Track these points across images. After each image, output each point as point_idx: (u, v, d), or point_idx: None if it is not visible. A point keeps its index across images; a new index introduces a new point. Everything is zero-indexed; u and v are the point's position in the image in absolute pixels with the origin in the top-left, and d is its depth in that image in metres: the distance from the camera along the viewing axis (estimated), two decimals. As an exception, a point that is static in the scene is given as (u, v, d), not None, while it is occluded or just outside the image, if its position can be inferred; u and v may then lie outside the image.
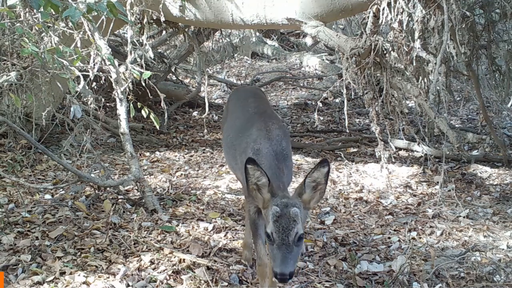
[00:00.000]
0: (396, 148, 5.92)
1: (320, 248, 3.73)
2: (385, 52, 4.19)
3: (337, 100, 8.26)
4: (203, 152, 6.05)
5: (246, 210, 2.87)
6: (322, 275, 3.34)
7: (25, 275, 2.93)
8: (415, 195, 4.94)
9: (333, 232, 4.03)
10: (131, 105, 3.98)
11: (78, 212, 3.88)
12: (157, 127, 4.13)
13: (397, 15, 3.90)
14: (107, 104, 6.42)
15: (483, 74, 6.26)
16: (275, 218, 2.39)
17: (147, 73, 3.93)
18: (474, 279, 3.22)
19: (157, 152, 5.92)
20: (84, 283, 2.91)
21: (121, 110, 4.17)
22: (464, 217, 4.37)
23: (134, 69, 4.07)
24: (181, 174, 5.23)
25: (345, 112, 4.52)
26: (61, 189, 4.26)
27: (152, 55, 4.83)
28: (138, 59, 4.70)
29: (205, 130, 6.34)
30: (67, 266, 3.05)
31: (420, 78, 4.35)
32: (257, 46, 11.83)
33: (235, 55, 11.54)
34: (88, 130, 4.54)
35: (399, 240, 3.89)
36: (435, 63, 3.88)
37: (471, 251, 3.52)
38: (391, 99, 4.48)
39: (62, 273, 2.99)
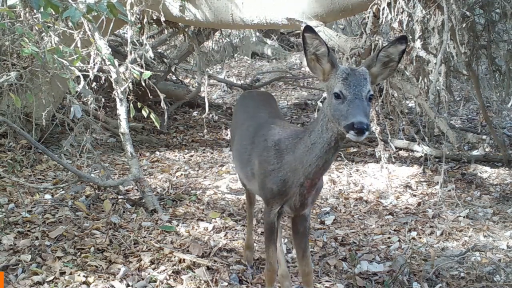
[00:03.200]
0: (396, 148, 5.92)
1: (320, 248, 3.73)
2: (385, 52, 4.19)
3: (337, 100, 8.24)
4: (203, 152, 6.05)
5: (264, 212, 2.77)
6: (322, 275, 3.34)
7: (25, 275, 2.93)
8: (415, 195, 4.94)
9: (333, 232, 4.03)
10: (131, 105, 3.98)
11: (78, 212, 3.88)
12: (158, 126, 4.14)
13: (397, 15, 3.90)
14: (107, 104, 6.42)
15: (483, 74, 6.26)
16: (344, 75, 2.26)
17: (147, 73, 3.93)
18: (474, 279, 3.22)
19: (157, 152, 5.92)
20: (84, 283, 2.91)
21: (121, 110, 4.17)
22: (464, 217, 4.38)
23: (134, 69, 4.07)
24: (181, 174, 5.23)
25: (345, 112, 4.51)
26: (61, 189, 4.26)
27: (152, 55, 4.83)
28: (138, 59, 4.69)
29: (205, 130, 6.34)
30: (67, 266, 3.05)
31: (420, 78, 4.36)
32: (257, 46, 11.84)
33: (235, 55, 11.55)
34: (88, 130, 4.54)
35: (399, 240, 3.89)
36: (435, 63, 3.89)
37: (471, 251, 3.52)
38: (391, 99, 4.48)
39: (62, 273, 2.99)
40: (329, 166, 2.49)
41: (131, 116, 4.05)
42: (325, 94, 4.63)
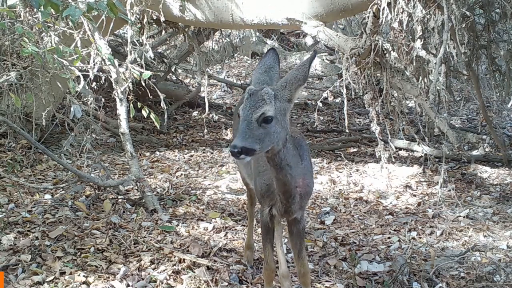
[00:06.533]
0: (396, 148, 5.91)
1: (320, 248, 3.73)
2: (385, 52, 4.19)
3: (337, 100, 8.26)
4: (203, 152, 6.05)
5: (259, 212, 2.80)
6: (322, 275, 3.34)
7: (25, 275, 2.93)
8: (415, 195, 4.94)
9: (333, 232, 4.03)
10: (131, 105, 3.98)
11: (78, 212, 3.88)
12: (158, 126, 4.14)
13: (397, 15, 3.90)
14: (107, 104, 6.42)
15: (483, 74, 6.26)
16: (246, 96, 2.26)
17: (147, 73, 3.93)
18: (474, 279, 3.22)
19: (157, 152, 5.92)
20: (84, 283, 2.91)
21: (121, 110, 4.17)
22: (464, 217, 4.38)
23: (134, 69, 4.07)
24: (181, 174, 5.23)
25: (345, 112, 4.51)
26: (61, 189, 4.26)
27: (152, 55, 4.83)
28: (138, 59, 4.69)
29: (205, 130, 6.33)
30: (67, 266, 3.05)
31: (420, 78, 4.35)
32: (257, 46, 11.82)
33: (235, 55, 11.52)
34: (88, 130, 4.54)
35: (399, 240, 3.89)
36: (435, 63, 3.88)
37: (471, 251, 3.52)
38: (391, 99, 4.48)
39: (62, 273, 2.99)
40: (288, 183, 2.43)
41: (131, 116, 4.05)
42: (324, 94, 4.64)
